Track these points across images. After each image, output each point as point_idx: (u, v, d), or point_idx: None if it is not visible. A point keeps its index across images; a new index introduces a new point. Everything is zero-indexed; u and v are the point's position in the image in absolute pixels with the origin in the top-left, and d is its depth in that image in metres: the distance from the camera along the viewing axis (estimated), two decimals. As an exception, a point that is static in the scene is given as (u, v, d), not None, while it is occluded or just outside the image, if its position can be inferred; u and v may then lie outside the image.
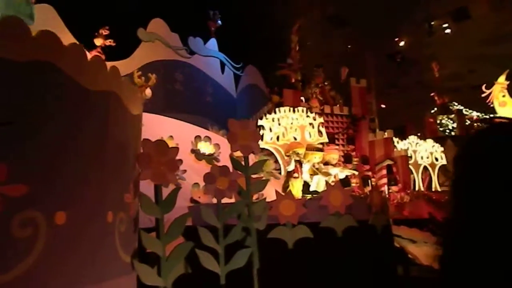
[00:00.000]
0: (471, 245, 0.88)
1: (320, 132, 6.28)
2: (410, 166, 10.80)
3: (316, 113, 11.06)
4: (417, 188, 10.52)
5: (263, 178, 6.14)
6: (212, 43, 10.78)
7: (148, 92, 6.72)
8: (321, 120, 6.45)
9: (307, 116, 6.37)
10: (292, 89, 11.05)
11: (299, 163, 5.05)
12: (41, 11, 7.03)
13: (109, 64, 7.74)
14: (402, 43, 18.10)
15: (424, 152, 10.90)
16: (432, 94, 19.14)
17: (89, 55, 6.76)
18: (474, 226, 0.89)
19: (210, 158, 5.61)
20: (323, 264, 4.31)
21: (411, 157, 11.00)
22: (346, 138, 11.32)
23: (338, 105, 12.12)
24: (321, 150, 5.48)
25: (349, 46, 17.66)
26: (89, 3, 7.87)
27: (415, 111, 18.82)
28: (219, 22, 10.88)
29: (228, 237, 3.31)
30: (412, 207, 9.73)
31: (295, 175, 5.03)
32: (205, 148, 5.62)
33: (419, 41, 17.71)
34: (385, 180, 10.26)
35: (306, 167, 5.07)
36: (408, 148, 11.23)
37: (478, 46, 16.91)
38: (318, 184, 5.27)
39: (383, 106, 20.39)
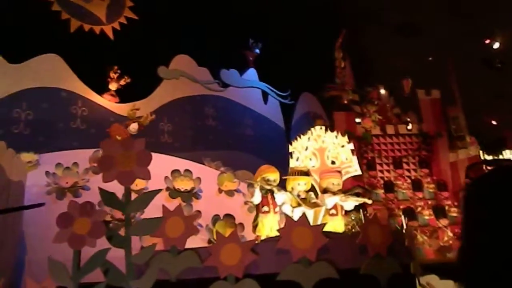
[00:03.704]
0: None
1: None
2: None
3: (375, 135, 9.56)
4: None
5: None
6: (251, 73, 10.13)
7: (133, 127, 6.18)
8: (351, 146, 4.86)
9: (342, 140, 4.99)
10: (344, 111, 9.69)
11: (271, 193, 3.85)
12: (48, 60, 7.17)
13: (127, 105, 7.38)
14: (496, 45, 15.35)
15: (524, 170, 8.45)
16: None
17: (103, 98, 6.47)
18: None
19: (188, 195, 4.73)
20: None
21: (508, 177, 8.63)
22: (418, 161, 9.38)
23: (410, 124, 10.31)
24: (306, 174, 4.17)
25: (430, 58, 15.59)
26: (110, 45, 7.87)
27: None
28: (257, 51, 10.24)
29: (82, 303, 2.35)
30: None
31: (265, 208, 3.83)
32: (182, 184, 4.76)
33: (519, 38, 14.82)
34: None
35: (281, 197, 3.84)
36: (503, 167, 8.89)
37: None
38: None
39: (494, 122, 17.42)
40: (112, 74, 7.51)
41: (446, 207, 8.19)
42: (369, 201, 4.36)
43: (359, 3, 13.37)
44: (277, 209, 3.85)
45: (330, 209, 3.99)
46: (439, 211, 7.84)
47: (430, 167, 9.39)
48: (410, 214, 7.79)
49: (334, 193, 4.13)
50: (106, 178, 2.64)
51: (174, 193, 4.70)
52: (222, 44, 9.56)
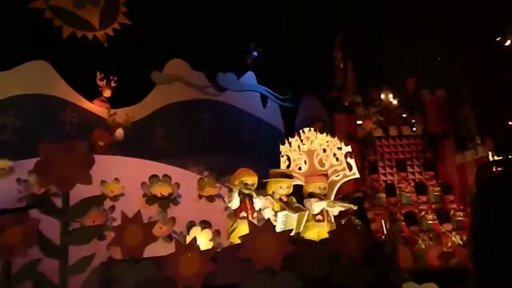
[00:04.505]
0: None
1: (349, 165, 4.49)
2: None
3: (377, 136, 9.22)
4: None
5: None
6: (249, 76, 9.96)
7: (119, 132, 6.06)
8: (348, 149, 4.56)
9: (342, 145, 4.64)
10: (345, 112, 9.40)
11: (249, 197, 3.64)
12: (37, 67, 7.14)
13: (119, 110, 7.26)
14: (508, 42, 14.80)
15: (535, 171, 8.00)
16: None
17: (93, 104, 6.38)
18: None
19: (166, 201, 4.55)
20: None
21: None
22: (422, 164, 9.00)
23: (415, 125, 9.95)
24: (289, 176, 3.94)
25: (438, 58, 15.15)
26: (103, 51, 7.81)
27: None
28: (255, 54, 10.07)
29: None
30: None
31: (242, 214, 3.61)
32: (160, 189, 4.59)
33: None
34: (477, 213, 7.70)
35: (259, 202, 3.62)
36: (514, 168, 8.45)
37: None
38: (286, 223, 3.72)
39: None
40: (100, 83, 7.45)
41: (452, 211, 7.80)
42: (354, 207, 4.08)
43: (363, 3, 13.11)
44: (255, 214, 3.63)
45: (317, 215, 3.76)
46: (442, 215, 7.46)
47: (436, 170, 8.99)
48: (412, 218, 7.43)
49: (321, 198, 3.88)
50: (41, 183, 2.48)
51: (151, 199, 4.52)
52: (219, 47, 9.42)
